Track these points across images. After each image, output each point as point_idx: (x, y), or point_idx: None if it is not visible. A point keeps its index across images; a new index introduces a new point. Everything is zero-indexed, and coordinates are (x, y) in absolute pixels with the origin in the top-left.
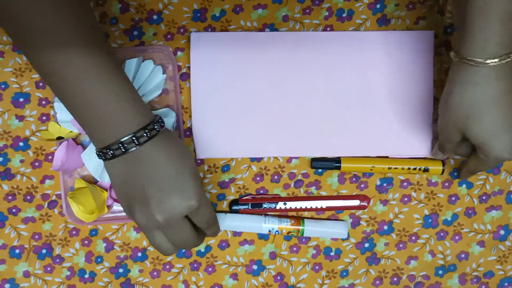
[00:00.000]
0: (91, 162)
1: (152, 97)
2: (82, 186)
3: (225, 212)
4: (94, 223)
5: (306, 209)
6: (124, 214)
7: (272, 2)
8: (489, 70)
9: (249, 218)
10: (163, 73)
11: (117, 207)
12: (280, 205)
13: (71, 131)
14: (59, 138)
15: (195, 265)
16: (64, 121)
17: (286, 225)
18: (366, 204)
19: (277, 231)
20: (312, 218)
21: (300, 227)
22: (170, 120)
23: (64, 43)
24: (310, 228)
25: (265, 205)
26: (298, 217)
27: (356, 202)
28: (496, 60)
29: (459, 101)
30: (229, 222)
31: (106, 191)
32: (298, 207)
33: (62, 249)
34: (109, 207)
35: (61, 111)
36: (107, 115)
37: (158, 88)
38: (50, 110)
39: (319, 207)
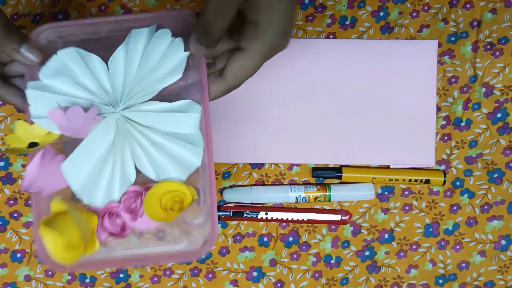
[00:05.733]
0: (76, 176)
1: (170, 82)
2: (63, 209)
3: (251, 185)
4: (77, 267)
5: (287, 221)
6: (126, 254)
7: None
8: None
9: (274, 189)
10: (185, 50)
11: (116, 242)
12: (262, 214)
13: (50, 132)
14: (33, 145)
15: (195, 271)
16: (40, 116)
17: (313, 191)
18: (347, 219)
19: (304, 197)
20: (339, 183)
21: (327, 193)
22: (193, 117)
23: None
24: (337, 193)
25: (246, 214)
26: (324, 184)
27: (337, 217)
28: None
29: None
30: (256, 194)
31: (97, 216)
32: (280, 217)
33: None
34: (102, 242)
35: (36, 102)
36: None
37: (178, 70)
38: None
39: (300, 219)
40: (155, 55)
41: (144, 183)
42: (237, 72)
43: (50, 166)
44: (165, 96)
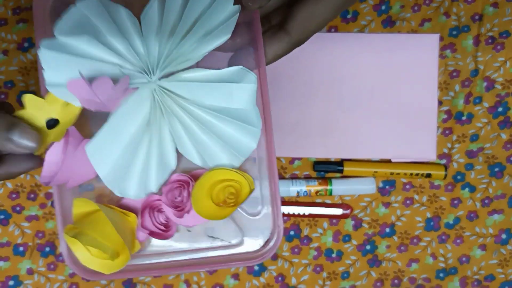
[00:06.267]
0: (104, 161)
1: (218, 44)
2: (91, 209)
3: None
4: (112, 275)
5: (288, 215)
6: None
7: None
8: None
9: None
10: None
11: (156, 242)
12: None
13: (68, 104)
14: (52, 123)
15: None
16: (57, 84)
17: (314, 185)
18: (348, 213)
19: (305, 191)
20: (340, 177)
21: (328, 187)
22: (248, 88)
23: None
24: (338, 187)
25: None
26: (325, 178)
27: (338, 211)
28: None
29: None
30: None
31: (136, 215)
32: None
33: None
34: (141, 242)
35: (51, 66)
36: None
37: (228, 28)
38: None
39: (301, 213)
40: (199, 8)
41: (187, 170)
42: (308, 21)
43: (75, 151)
44: (207, 61)
